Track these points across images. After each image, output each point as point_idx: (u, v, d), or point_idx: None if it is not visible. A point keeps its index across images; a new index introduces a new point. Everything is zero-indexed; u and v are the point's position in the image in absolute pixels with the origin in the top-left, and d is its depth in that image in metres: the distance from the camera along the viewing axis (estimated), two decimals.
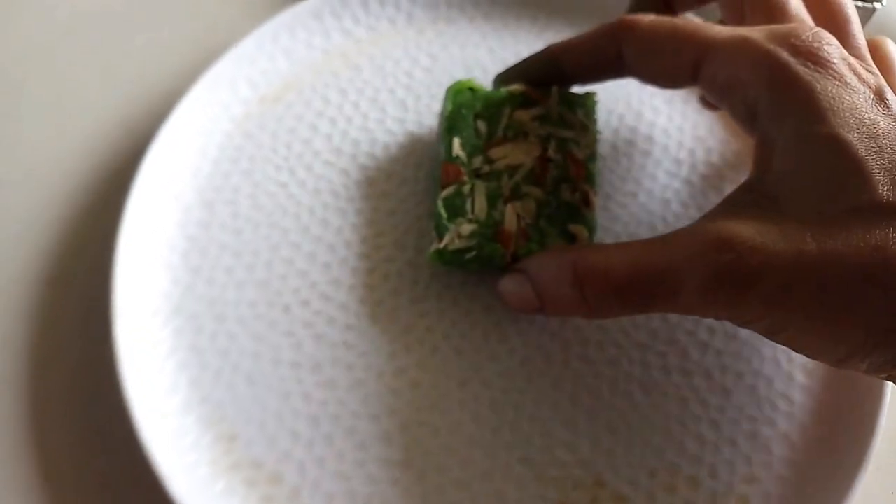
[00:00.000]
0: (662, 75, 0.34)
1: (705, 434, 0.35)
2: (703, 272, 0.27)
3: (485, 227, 0.36)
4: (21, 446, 0.35)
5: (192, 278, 0.38)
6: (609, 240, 0.40)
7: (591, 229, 0.37)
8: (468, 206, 0.37)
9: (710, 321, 0.37)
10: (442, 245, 0.36)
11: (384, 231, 0.40)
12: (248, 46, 0.43)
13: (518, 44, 0.46)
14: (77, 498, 0.34)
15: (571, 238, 0.36)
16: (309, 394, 0.35)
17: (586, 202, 0.37)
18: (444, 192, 0.37)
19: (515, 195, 0.37)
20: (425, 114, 0.43)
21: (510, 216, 0.36)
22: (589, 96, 0.40)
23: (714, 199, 0.40)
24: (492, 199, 0.37)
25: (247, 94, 0.43)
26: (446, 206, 0.37)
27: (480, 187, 0.37)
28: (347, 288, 0.38)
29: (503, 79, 0.39)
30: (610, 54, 0.34)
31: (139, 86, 0.45)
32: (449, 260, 0.36)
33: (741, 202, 0.29)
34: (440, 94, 0.43)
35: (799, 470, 0.34)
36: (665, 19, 0.33)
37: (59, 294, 0.39)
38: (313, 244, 0.39)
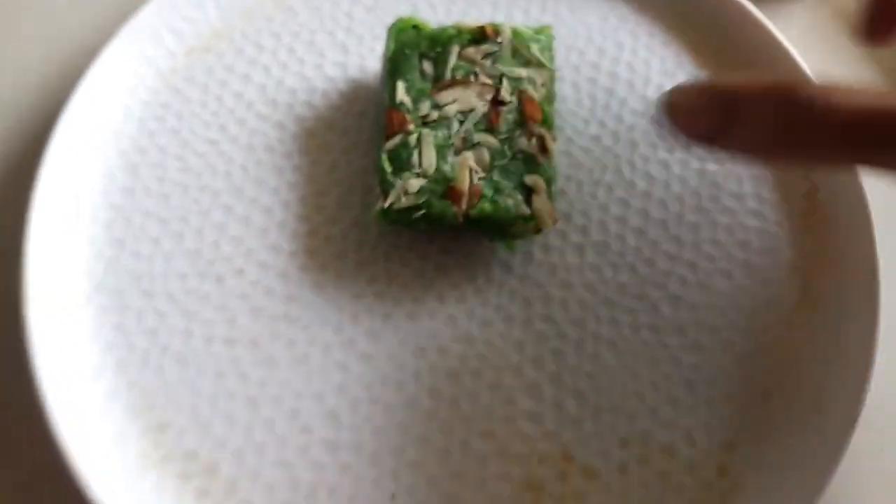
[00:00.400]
0: None
1: (679, 396, 0.33)
2: None
3: (434, 183, 0.33)
4: None
5: (116, 251, 0.35)
6: (571, 188, 0.37)
7: (550, 179, 0.34)
8: (415, 158, 0.34)
9: (681, 271, 0.35)
10: (387, 204, 0.33)
11: (325, 189, 0.37)
12: None
13: None
14: None
15: (528, 191, 0.33)
16: (246, 373, 0.33)
17: (543, 149, 0.34)
18: (388, 144, 0.34)
19: (467, 144, 0.34)
20: (368, 57, 0.40)
21: (462, 170, 0.33)
22: (544, 30, 0.36)
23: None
24: (441, 150, 0.34)
25: (173, 45, 0.40)
26: (391, 159, 0.34)
27: (428, 137, 0.34)
28: (287, 254, 0.35)
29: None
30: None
31: (54, 41, 0.42)
32: (396, 219, 0.33)
33: None
34: (384, 34, 0.40)
35: (783, 433, 0.32)
36: None
37: None
38: (247, 207, 0.36)
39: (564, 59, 0.40)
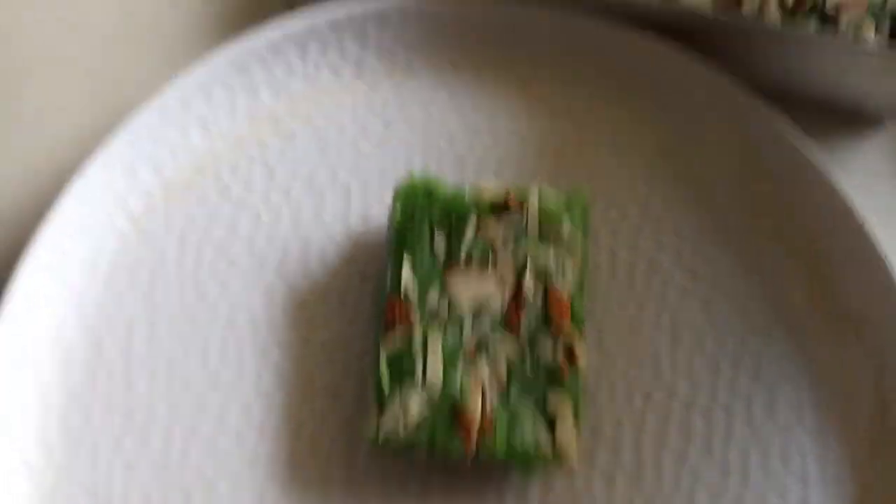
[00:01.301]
0: None
1: None
2: None
3: (439, 405, 0.29)
4: None
5: (70, 456, 0.31)
6: (602, 393, 0.33)
7: (577, 399, 0.30)
8: (419, 367, 0.30)
9: None
10: (382, 433, 0.29)
11: (315, 377, 0.33)
12: (148, 118, 0.36)
13: (496, 100, 0.38)
14: None
15: (552, 417, 0.29)
16: None
17: (570, 359, 0.30)
18: (389, 348, 0.30)
19: (480, 349, 0.30)
20: (374, 206, 0.36)
21: (473, 393, 0.29)
22: (578, 200, 0.32)
23: (740, 331, 0.33)
24: (450, 358, 0.30)
25: (149, 181, 0.36)
26: (390, 366, 0.30)
27: (435, 339, 0.30)
28: (264, 471, 0.31)
29: None
30: None
31: (12, 175, 0.38)
32: (391, 447, 0.30)
33: None
34: (396, 175, 0.36)
35: None
36: None
37: None
38: (223, 402, 0.32)
39: (601, 218, 0.35)
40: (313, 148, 0.37)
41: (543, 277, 0.31)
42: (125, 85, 0.39)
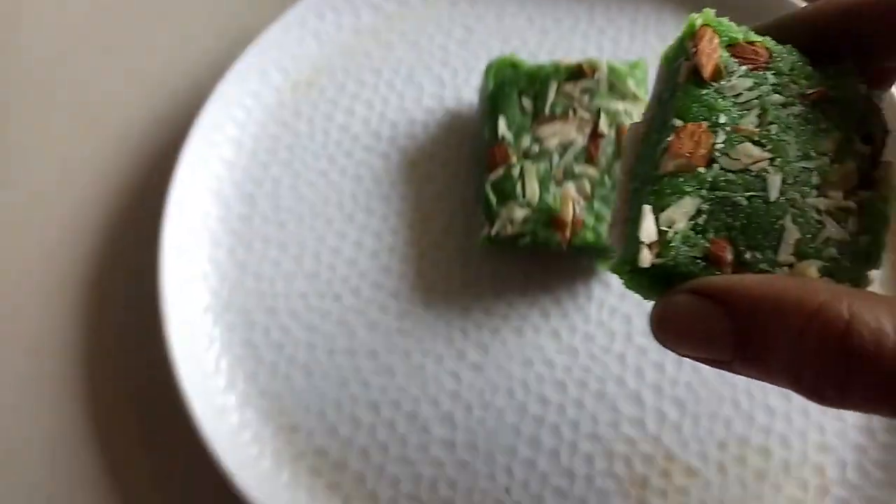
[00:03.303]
0: None
1: (774, 405, 0.41)
2: None
3: (538, 213, 0.42)
4: (84, 447, 0.42)
5: (240, 274, 0.44)
6: None
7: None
8: (518, 189, 0.42)
9: None
10: (493, 232, 0.42)
11: (430, 215, 0.46)
12: (275, 33, 0.50)
13: (558, 10, 0.52)
14: (142, 496, 0.41)
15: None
16: (367, 381, 0.41)
17: None
18: (492, 176, 0.43)
19: (567, 176, 0.43)
20: (464, 89, 0.50)
21: (565, 201, 0.42)
22: (639, 64, 0.45)
23: None
24: (543, 182, 0.42)
25: (278, 81, 0.50)
26: (495, 190, 0.43)
27: (531, 169, 0.43)
28: (398, 275, 0.44)
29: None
30: None
31: (167, 83, 0.52)
32: (501, 245, 0.42)
33: None
34: (478, 67, 0.49)
35: (874, 436, 0.40)
36: None
37: (105, 297, 0.45)
38: (359, 233, 0.45)
39: None
40: (409, 52, 0.51)
41: (615, 120, 0.43)
42: (243, 17, 0.53)
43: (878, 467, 0.39)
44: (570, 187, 0.42)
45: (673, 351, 0.25)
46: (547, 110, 0.44)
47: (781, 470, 0.40)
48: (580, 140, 0.43)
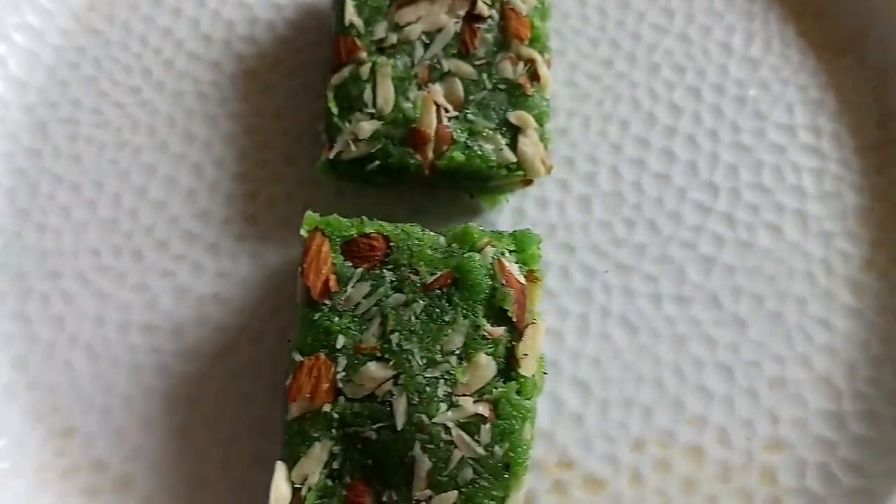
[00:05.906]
0: None
1: (711, 386, 0.31)
2: None
3: (391, 125, 0.32)
4: None
5: (19, 225, 0.35)
6: (575, 126, 0.35)
7: (542, 115, 0.32)
8: (367, 94, 0.33)
9: (715, 227, 0.33)
10: (332, 154, 0.32)
11: (268, 141, 0.36)
12: None
13: None
14: None
15: (514, 131, 0.32)
16: (167, 367, 0.32)
17: (534, 76, 0.33)
18: (335, 78, 0.33)
19: (433, 75, 0.33)
20: None
21: (426, 109, 0.32)
22: None
23: (715, 65, 0.36)
24: (400, 84, 0.33)
25: None
26: (338, 97, 0.33)
27: (384, 67, 0.33)
28: (219, 222, 0.34)
29: None
30: None
31: None
32: (345, 172, 0.32)
33: None
34: None
35: (846, 428, 0.31)
36: None
37: None
38: (173, 165, 0.35)
39: None
40: None
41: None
42: None
43: (849, 471, 0.30)
44: (437, 90, 0.32)
45: None
46: None
47: (718, 477, 0.30)
48: (452, 25, 0.33)
